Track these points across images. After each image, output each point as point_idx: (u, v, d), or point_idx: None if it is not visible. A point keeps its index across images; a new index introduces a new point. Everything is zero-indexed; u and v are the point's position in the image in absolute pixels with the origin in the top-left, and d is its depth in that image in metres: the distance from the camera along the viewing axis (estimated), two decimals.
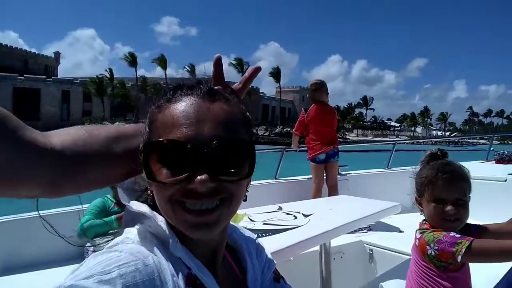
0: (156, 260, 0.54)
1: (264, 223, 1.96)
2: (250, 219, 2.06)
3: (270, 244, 1.64)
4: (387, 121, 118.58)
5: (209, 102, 0.60)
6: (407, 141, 13.98)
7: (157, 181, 0.57)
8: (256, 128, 50.41)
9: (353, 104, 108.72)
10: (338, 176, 4.13)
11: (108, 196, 2.16)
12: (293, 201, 2.86)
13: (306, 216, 2.14)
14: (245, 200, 0.72)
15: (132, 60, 56.88)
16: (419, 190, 1.43)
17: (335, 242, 2.77)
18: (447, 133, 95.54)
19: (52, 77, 52.74)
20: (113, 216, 1.96)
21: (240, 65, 63.15)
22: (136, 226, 0.61)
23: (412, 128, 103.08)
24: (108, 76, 52.78)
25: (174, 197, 0.57)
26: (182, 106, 0.59)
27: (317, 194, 3.79)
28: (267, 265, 0.80)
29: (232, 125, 0.60)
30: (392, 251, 2.79)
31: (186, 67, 60.61)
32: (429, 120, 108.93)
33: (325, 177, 3.99)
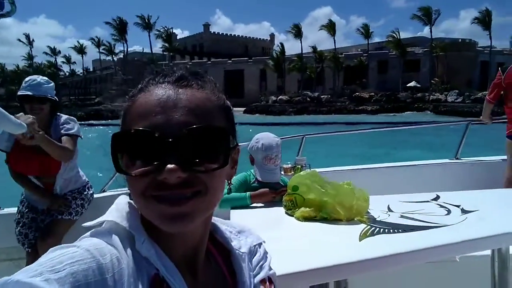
0: (114, 258, 0.53)
1: (402, 216, 1.66)
2: (389, 208, 1.79)
3: (392, 245, 1.36)
4: None
5: (179, 88, 0.58)
6: None
7: (125, 173, 0.56)
8: (445, 93, 39.27)
9: None
10: None
11: (251, 170, 2.30)
12: (476, 189, 2.32)
13: (465, 212, 1.70)
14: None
15: (297, 32, 53.49)
16: None
17: None
18: None
19: (253, 58, 58.70)
20: (247, 193, 2.05)
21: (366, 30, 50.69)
22: (117, 217, 0.60)
23: None
24: (280, 51, 52.44)
25: (146, 192, 0.55)
26: (152, 95, 0.58)
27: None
28: (256, 272, 0.74)
29: (204, 112, 0.57)
30: None
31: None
32: None
33: None
